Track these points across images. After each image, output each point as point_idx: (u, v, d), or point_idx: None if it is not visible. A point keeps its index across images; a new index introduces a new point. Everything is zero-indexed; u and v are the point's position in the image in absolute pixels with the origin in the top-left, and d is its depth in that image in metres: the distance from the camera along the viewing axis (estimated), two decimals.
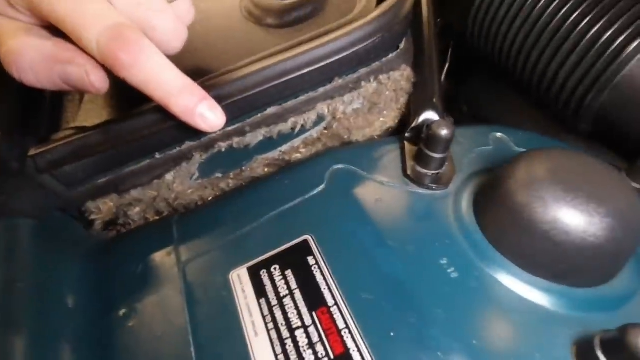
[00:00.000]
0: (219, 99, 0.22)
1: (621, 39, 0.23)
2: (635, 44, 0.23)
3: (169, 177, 0.24)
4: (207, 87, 0.21)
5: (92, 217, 0.24)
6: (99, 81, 0.19)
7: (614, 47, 0.23)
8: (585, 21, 0.25)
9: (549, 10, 0.26)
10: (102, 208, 0.24)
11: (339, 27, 0.24)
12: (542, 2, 0.26)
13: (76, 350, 0.19)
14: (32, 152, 0.21)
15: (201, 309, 0.19)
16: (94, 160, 0.22)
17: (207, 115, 0.20)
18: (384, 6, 0.24)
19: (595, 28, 0.24)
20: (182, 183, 0.25)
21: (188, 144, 0.24)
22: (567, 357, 0.16)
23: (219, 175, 0.26)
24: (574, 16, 0.25)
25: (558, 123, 0.31)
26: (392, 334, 0.17)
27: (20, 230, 0.21)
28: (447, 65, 0.44)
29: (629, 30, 0.23)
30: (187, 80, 0.20)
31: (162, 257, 0.22)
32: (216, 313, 0.19)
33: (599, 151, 0.30)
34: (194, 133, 0.23)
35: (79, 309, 0.20)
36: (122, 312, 0.20)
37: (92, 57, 0.18)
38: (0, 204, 0.21)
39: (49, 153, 0.21)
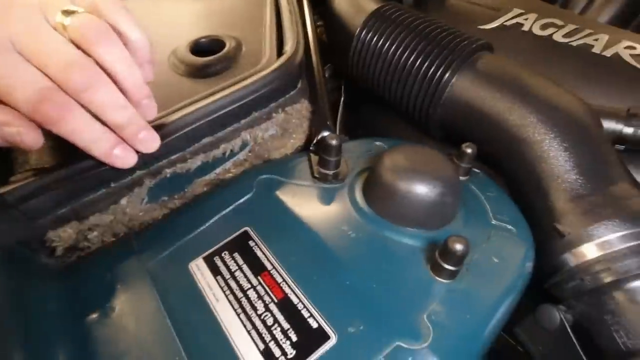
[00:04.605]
0: (165, 134, 0.28)
1: (439, 72, 0.35)
2: (446, 75, 0.35)
3: (123, 201, 0.29)
4: (157, 126, 0.27)
5: (54, 244, 0.27)
6: (31, 141, 0.23)
7: (435, 78, 0.35)
8: (418, 61, 0.37)
9: (395, 55, 0.38)
10: (62, 235, 0.28)
11: (252, 74, 0.32)
12: (390, 50, 0.38)
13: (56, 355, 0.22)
14: (2, 190, 0.25)
15: (171, 294, 0.24)
16: (57, 193, 0.26)
17: (121, 156, 0.26)
18: (282, 59, 0.33)
19: (425, 65, 0.36)
20: (134, 207, 0.30)
21: (139, 173, 0.29)
22: (426, 271, 0.25)
23: (165, 198, 0.32)
24: (410, 58, 0.37)
25: (422, 132, 0.43)
26: (314, 278, 0.24)
27: None
28: (342, 99, 0.55)
29: (443, 66, 0.35)
30: (103, 130, 0.25)
31: (128, 263, 0.26)
32: (183, 294, 0.24)
33: (450, 149, 0.43)
34: (144, 163, 0.29)
35: (52, 321, 0.24)
36: (101, 312, 0.24)
37: (25, 117, 0.22)
38: None
39: (17, 190, 0.25)
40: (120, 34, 0.24)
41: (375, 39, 0.40)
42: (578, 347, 0.26)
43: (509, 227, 0.29)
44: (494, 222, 0.29)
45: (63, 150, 0.31)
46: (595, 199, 0.28)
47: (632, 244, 0.26)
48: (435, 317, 0.22)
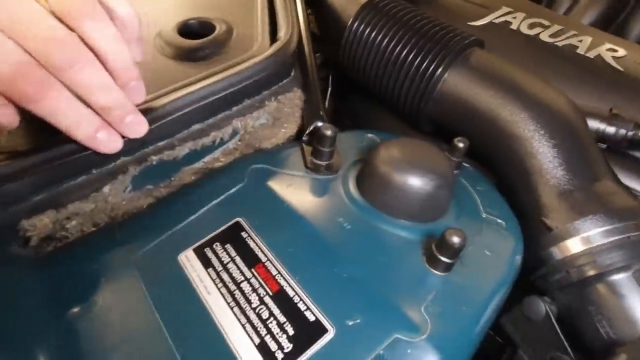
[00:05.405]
0: (153, 119, 0.26)
1: (431, 67, 0.35)
2: (439, 70, 0.35)
3: (105, 189, 0.27)
4: (144, 110, 0.26)
5: (28, 234, 0.26)
6: (5, 121, 0.21)
7: (428, 73, 0.35)
8: (411, 55, 0.36)
9: (387, 48, 0.38)
10: (38, 225, 0.26)
11: (244, 60, 0.31)
12: (383, 42, 0.38)
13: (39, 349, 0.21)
14: None
15: (159, 286, 0.23)
16: (33, 179, 0.24)
17: (105, 140, 0.24)
18: (276, 45, 0.32)
19: (417, 60, 0.36)
20: (117, 195, 0.28)
21: (123, 159, 0.27)
22: (421, 263, 0.25)
23: (150, 186, 0.30)
24: (403, 52, 0.37)
25: (411, 126, 0.43)
26: (310, 270, 0.23)
27: None
28: (329, 89, 0.55)
29: (435, 61, 0.35)
30: (87, 111, 0.23)
31: (111, 255, 0.25)
32: (172, 286, 0.23)
33: (438, 143, 0.43)
34: (129, 149, 0.27)
35: (34, 314, 0.22)
36: (85, 305, 0.23)
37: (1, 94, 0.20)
38: None
39: None
40: (108, 9, 0.22)
41: (367, 31, 0.39)
42: (562, 337, 0.27)
43: (499, 220, 0.29)
44: (484, 215, 0.30)
45: (38, 132, 0.28)
46: (581, 195, 0.29)
47: (614, 238, 0.27)
48: (433, 309, 0.22)
